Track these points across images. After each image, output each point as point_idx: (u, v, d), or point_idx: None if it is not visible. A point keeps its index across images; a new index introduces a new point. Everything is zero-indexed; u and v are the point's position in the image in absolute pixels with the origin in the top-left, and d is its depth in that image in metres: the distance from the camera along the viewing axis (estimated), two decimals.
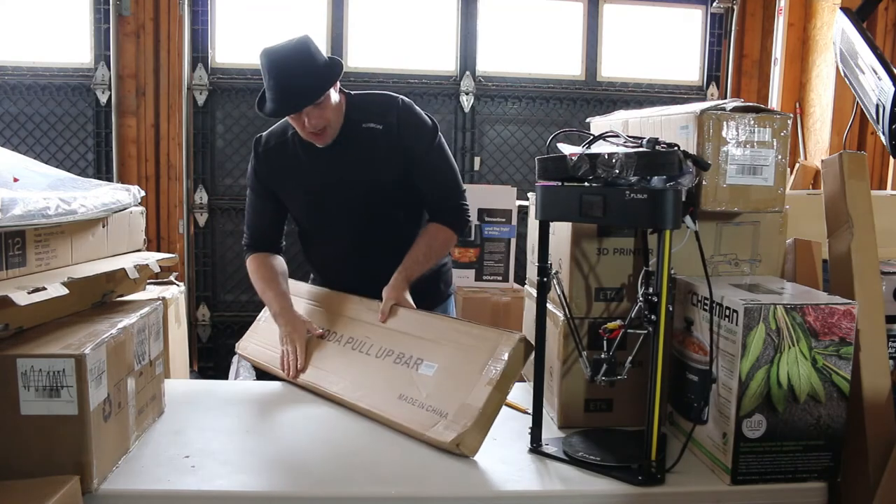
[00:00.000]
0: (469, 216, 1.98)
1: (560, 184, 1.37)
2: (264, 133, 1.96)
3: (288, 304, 1.86)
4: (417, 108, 1.90)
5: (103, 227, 1.60)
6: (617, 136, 1.37)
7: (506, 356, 1.39)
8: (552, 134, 1.48)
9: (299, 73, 1.69)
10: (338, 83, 1.77)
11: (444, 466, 1.34)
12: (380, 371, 1.58)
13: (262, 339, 1.94)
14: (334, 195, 1.87)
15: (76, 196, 1.46)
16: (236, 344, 2.02)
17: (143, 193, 1.86)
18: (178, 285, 2.38)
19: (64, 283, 1.27)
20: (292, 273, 2.00)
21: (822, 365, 1.25)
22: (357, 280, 1.89)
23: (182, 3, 3.48)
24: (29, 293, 1.18)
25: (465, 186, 1.98)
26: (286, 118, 1.84)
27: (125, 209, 1.69)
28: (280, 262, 1.97)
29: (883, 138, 1.82)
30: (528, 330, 1.78)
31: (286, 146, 1.89)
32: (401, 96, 1.88)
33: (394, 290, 1.74)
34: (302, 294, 1.97)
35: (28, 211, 1.26)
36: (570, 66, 3.87)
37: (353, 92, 1.90)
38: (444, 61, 3.78)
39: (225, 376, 3.27)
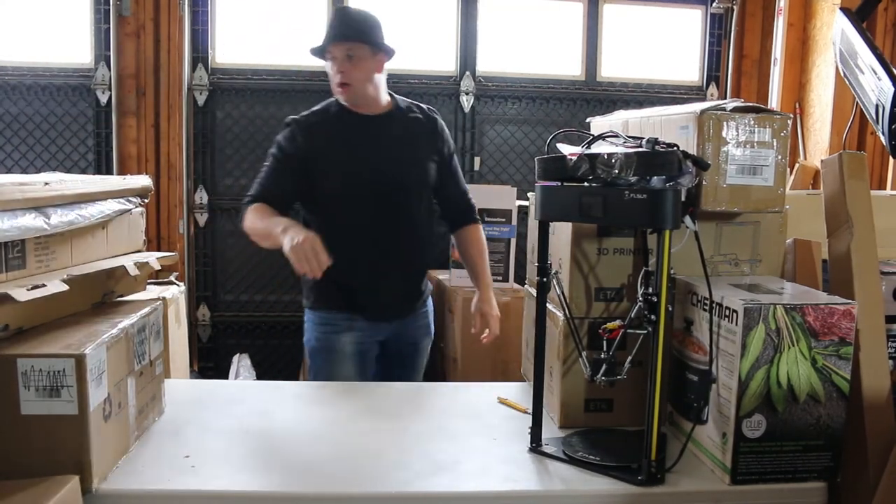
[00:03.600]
0: None
1: (560, 184, 1.37)
2: (299, 115, 2.02)
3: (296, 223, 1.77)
4: None
5: (102, 228, 1.60)
6: (617, 137, 1.37)
7: None
8: (552, 134, 1.48)
9: (357, 18, 2.00)
10: (382, 63, 1.99)
11: (444, 466, 1.34)
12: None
13: None
14: (374, 166, 1.97)
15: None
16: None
17: None
18: (178, 285, 2.37)
19: (64, 280, 1.28)
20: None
21: (821, 365, 1.25)
22: (361, 267, 1.98)
23: (182, 3, 3.47)
24: (28, 290, 1.18)
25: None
26: (327, 101, 2.04)
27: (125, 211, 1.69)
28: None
29: (882, 138, 1.82)
30: (528, 330, 1.78)
31: (329, 120, 2.00)
32: None
33: (488, 304, 2.10)
34: None
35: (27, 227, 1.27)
36: (569, 66, 3.86)
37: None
38: (444, 61, 3.78)
39: (225, 376, 3.27)
